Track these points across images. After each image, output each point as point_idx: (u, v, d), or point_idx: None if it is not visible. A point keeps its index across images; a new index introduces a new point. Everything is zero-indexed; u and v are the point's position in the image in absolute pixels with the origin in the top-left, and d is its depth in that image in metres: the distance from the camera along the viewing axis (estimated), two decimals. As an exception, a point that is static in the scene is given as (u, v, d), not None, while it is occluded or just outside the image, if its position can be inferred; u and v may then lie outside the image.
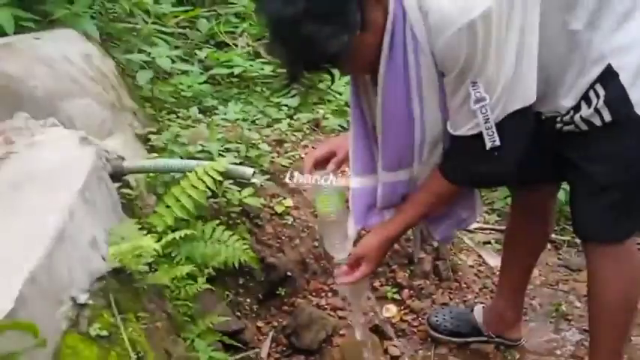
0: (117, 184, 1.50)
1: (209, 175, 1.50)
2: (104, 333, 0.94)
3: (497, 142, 1.15)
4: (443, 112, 1.22)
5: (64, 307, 0.92)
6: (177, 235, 1.32)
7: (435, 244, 2.03)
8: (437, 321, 1.80)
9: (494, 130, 1.14)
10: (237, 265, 1.50)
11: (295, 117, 2.26)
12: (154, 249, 1.06)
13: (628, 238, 1.40)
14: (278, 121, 2.21)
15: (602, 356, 1.50)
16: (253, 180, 1.58)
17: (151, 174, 1.64)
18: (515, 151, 1.22)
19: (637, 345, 1.81)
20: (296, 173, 1.41)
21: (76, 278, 0.97)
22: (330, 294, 1.99)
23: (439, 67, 1.15)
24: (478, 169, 1.24)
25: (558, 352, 1.77)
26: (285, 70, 1.15)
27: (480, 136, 1.16)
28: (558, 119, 1.30)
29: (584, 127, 1.27)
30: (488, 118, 1.13)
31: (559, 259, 2.20)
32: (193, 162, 1.55)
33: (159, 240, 1.27)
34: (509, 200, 2.32)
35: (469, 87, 1.12)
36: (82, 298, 0.97)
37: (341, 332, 1.90)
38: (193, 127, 2.03)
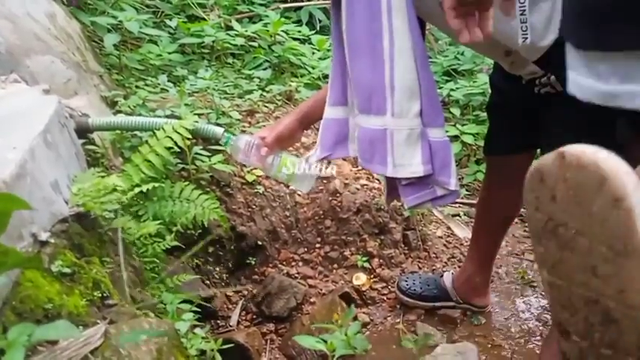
0: (82, 141, 1.46)
1: (178, 133, 1.47)
2: (67, 270, 0.91)
3: (530, 39, 1.06)
4: (420, 61, 1.15)
5: (24, 243, 0.88)
6: (144, 187, 1.29)
7: (406, 214, 2.04)
8: (406, 285, 1.82)
9: (527, 25, 1.05)
10: (206, 223, 1.47)
11: (267, 89, 2.24)
12: (120, 190, 1.03)
13: None
14: (249, 92, 2.19)
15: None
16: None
17: (118, 134, 1.60)
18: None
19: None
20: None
21: (36, 216, 0.93)
22: (300, 263, 1.99)
23: None
24: None
25: (523, 316, 1.80)
26: None
27: None
28: (537, 81, 1.29)
29: (559, 87, 1.27)
30: (524, 10, 1.04)
31: (525, 231, 2.24)
32: (161, 120, 1.52)
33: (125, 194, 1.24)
34: (478, 176, 2.37)
35: None
36: (44, 235, 0.93)
37: (311, 300, 1.89)
38: (162, 94, 1.99)
